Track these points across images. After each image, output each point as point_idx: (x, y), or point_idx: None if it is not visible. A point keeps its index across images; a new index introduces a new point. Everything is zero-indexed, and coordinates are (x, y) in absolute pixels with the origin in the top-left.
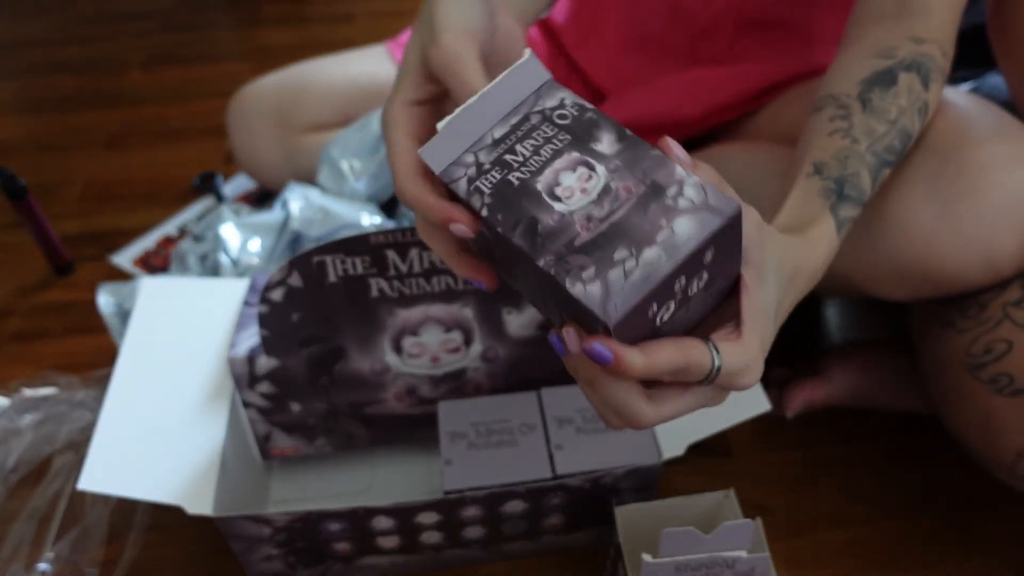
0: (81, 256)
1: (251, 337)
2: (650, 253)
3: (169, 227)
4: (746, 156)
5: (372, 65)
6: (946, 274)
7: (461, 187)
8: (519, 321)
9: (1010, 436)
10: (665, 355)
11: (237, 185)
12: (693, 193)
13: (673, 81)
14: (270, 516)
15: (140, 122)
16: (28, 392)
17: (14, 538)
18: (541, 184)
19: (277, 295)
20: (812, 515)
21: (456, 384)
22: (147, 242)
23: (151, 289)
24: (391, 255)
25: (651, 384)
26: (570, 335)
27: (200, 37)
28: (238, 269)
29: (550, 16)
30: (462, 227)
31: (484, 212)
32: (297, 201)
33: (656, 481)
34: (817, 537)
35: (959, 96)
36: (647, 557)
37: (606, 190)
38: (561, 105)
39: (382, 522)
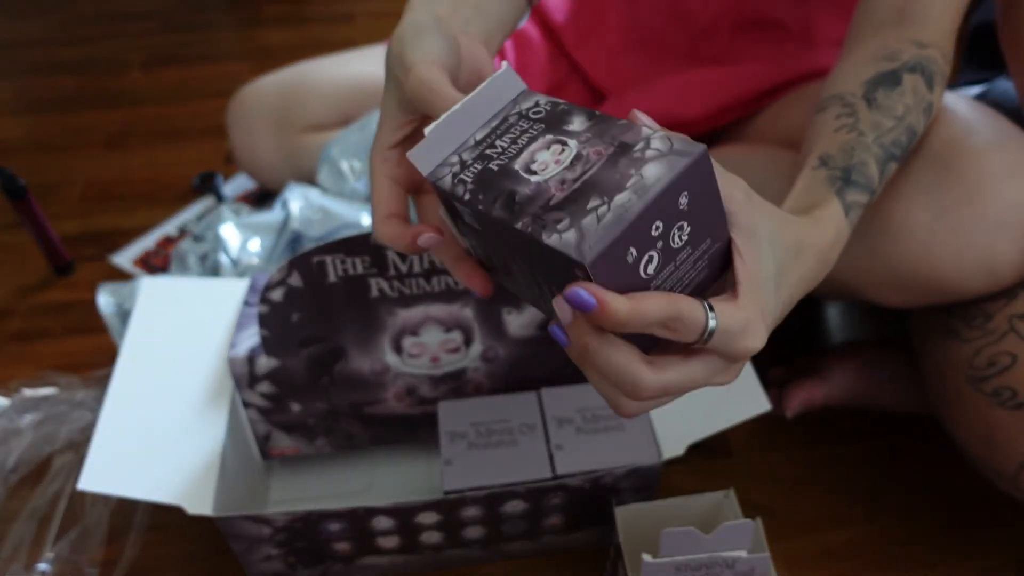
0: (81, 256)
1: (251, 337)
2: (621, 197)
3: (169, 227)
4: (746, 158)
5: (372, 65)
6: (945, 282)
7: (446, 182)
8: (519, 321)
9: (1012, 448)
10: (653, 303)
11: (237, 185)
12: (659, 143)
13: (673, 82)
14: (270, 516)
15: (140, 122)
16: (28, 392)
17: (14, 538)
18: (518, 164)
19: (277, 295)
20: (812, 515)
21: (456, 384)
22: (147, 242)
23: (151, 289)
24: (391, 255)
25: (652, 354)
26: (560, 305)
27: (200, 37)
28: (238, 269)
29: (550, 16)
30: (427, 236)
31: (467, 197)
32: (297, 201)
33: (656, 481)
34: (817, 537)
35: (959, 103)
36: (647, 557)
37: (577, 157)
38: (536, 105)
39: (382, 522)
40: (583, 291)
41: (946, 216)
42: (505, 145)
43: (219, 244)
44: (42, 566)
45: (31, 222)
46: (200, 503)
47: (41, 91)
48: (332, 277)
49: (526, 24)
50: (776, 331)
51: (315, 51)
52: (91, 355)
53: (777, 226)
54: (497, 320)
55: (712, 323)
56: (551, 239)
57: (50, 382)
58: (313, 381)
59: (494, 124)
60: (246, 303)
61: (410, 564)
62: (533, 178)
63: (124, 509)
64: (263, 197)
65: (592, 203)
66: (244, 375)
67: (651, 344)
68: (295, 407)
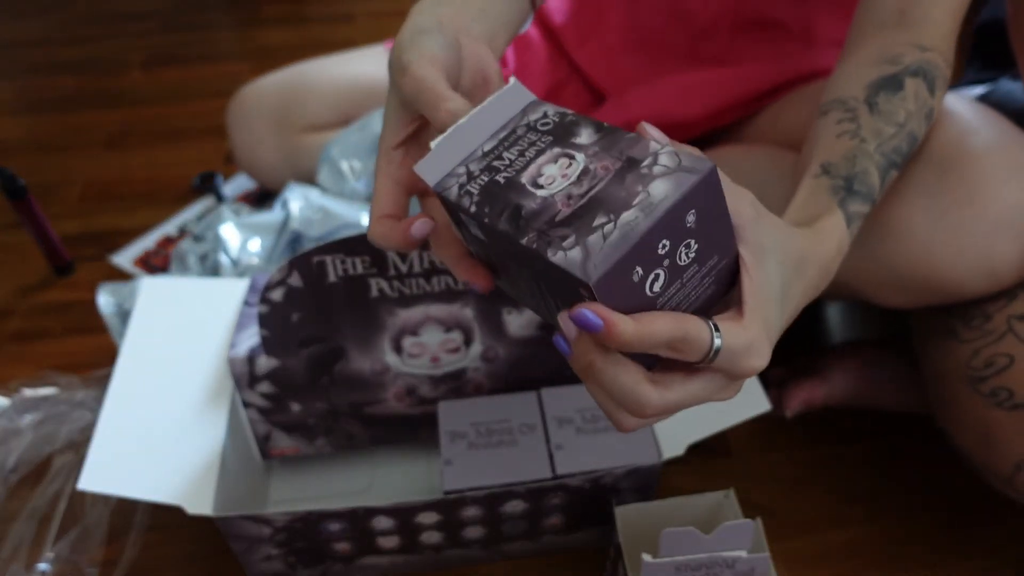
0: (81, 256)
1: (251, 337)
2: (627, 215)
3: (169, 227)
4: (746, 159)
5: (372, 65)
6: (945, 283)
7: (452, 193)
8: (519, 321)
9: (1009, 449)
10: (659, 324)
11: (237, 185)
12: (667, 159)
13: (673, 82)
14: (270, 516)
15: (140, 122)
16: (28, 392)
17: (14, 538)
18: (525, 178)
19: (277, 295)
20: (812, 515)
21: (456, 384)
22: (147, 242)
23: (151, 289)
24: (391, 255)
25: (655, 372)
26: (565, 321)
27: (200, 37)
28: (238, 269)
29: (550, 16)
30: (419, 223)
31: (472, 208)
32: (297, 201)
33: (656, 481)
34: (817, 537)
35: (960, 105)
36: (647, 557)
37: (585, 171)
38: (544, 116)
39: (382, 522)
40: (589, 312)
41: (946, 217)
42: (512, 157)
43: (219, 244)
44: (42, 566)
45: (31, 222)
46: (200, 503)
47: (41, 91)
48: (332, 277)
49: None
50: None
51: (315, 51)
52: (91, 355)
53: (783, 241)
54: (497, 320)
55: (717, 342)
56: (556, 256)
57: (50, 382)
58: (313, 381)
59: (502, 136)
60: (246, 303)
61: (410, 564)
62: (540, 192)
63: (124, 509)
64: (263, 197)
65: (598, 220)
66: (244, 375)
67: (653, 361)
68: (295, 407)
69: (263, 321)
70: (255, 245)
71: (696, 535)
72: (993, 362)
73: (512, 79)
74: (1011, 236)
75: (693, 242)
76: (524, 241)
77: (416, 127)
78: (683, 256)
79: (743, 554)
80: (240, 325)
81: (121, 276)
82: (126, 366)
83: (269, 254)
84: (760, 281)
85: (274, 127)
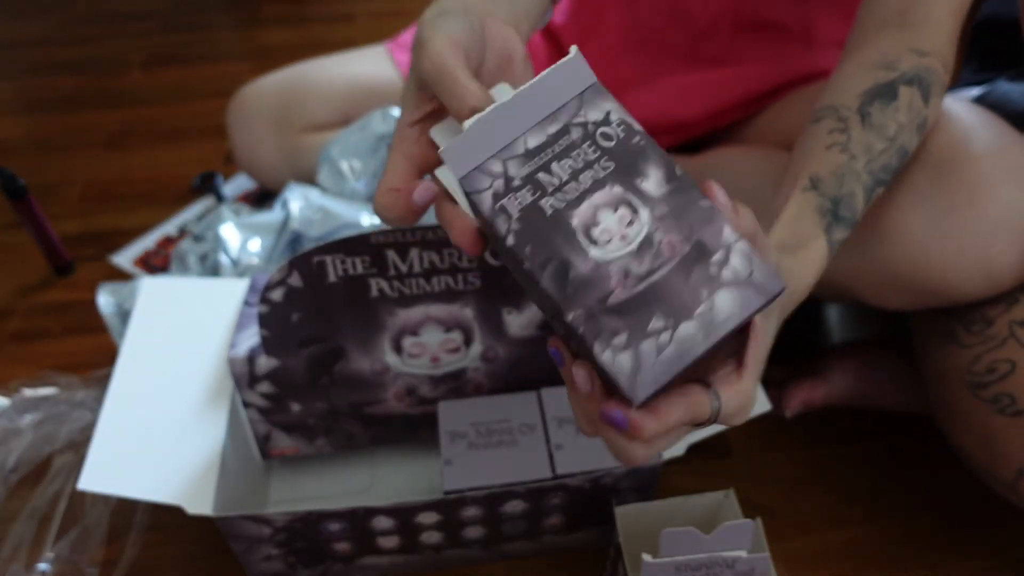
0: (81, 256)
1: (251, 337)
2: (687, 328)
3: (169, 227)
4: (746, 159)
5: (372, 65)
6: (943, 285)
7: (485, 203)
8: (519, 321)
9: (1011, 455)
10: (675, 415)
11: (237, 185)
12: (739, 263)
13: (673, 82)
14: (270, 516)
15: (140, 122)
16: (28, 392)
17: (14, 538)
18: (577, 220)
19: (277, 295)
20: (812, 515)
21: (456, 384)
22: (147, 242)
23: (151, 289)
24: (391, 255)
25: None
26: (581, 377)
27: (200, 37)
28: (238, 269)
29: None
30: (421, 187)
31: (510, 240)
32: (297, 201)
33: (656, 481)
34: (817, 537)
35: (958, 107)
36: (647, 557)
37: (648, 242)
38: (606, 120)
39: (382, 522)
40: (621, 416)
41: (944, 219)
42: (563, 177)
43: (219, 244)
44: (42, 566)
45: (31, 222)
46: (200, 503)
47: (41, 91)
48: (332, 277)
49: None
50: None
51: (315, 51)
52: (91, 355)
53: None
54: (497, 320)
55: (715, 406)
56: (604, 356)
57: (50, 382)
58: (313, 381)
59: (552, 130)
60: (246, 303)
61: (410, 564)
62: (592, 251)
63: (124, 509)
64: (263, 197)
65: (655, 323)
66: (244, 375)
67: None
68: (295, 407)
69: (263, 321)
70: (255, 245)
71: (696, 535)
72: (995, 368)
73: (573, 49)
74: (1009, 238)
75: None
76: (570, 318)
77: (434, 107)
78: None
79: (743, 554)
80: (240, 325)
81: (121, 276)
82: (126, 366)
83: (269, 254)
84: (763, 342)
85: (274, 127)
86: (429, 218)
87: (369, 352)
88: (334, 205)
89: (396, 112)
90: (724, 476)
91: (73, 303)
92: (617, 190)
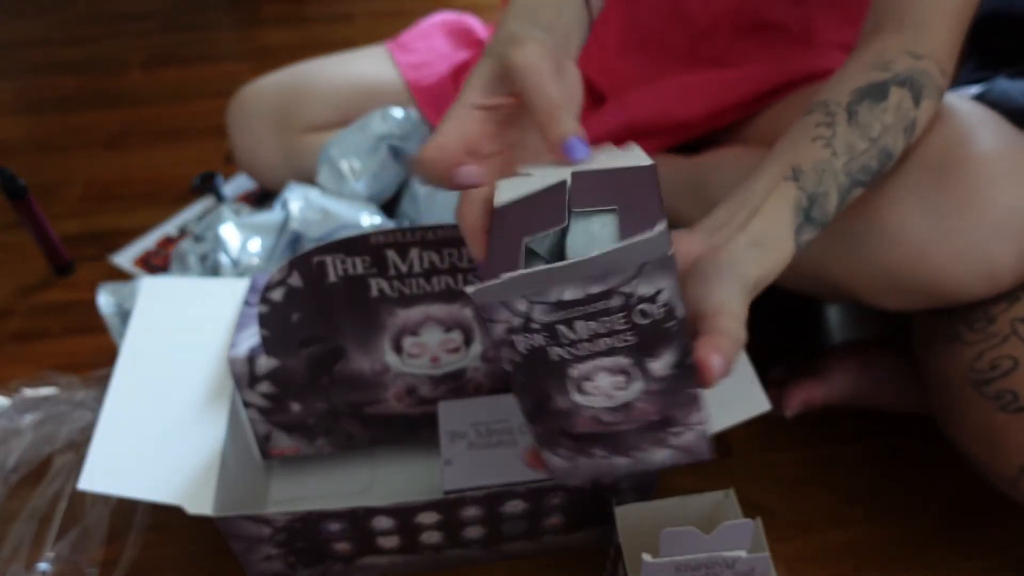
0: (81, 256)
1: (251, 337)
2: (619, 460)
3: (169, 227)
4: (746, 160)
5: (372, 66)
6: (944, 286)
7: (497, 331)
8: None
9: (1013, 452)
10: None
11: (237, 185)
12: (692, 438)
13: (673, 82)
14: (270, 516)
15: (140, 122)
16: (28, 392)
17: (14, 538)
18: (576, 372)
19: (277, 295)
20: (812, 515)
21: (456, 384)
22: (147, 242)
23: (151, 289)
24: (391, 255)
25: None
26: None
27: (200, 37)
28: (238, 269)
29: None
30: (468, 168)
31: (507, 366)
32: (297, 201)
33: (656, 481)
34: (817, 537)
35: (958, 105)
36: (647, 557)
37: (627, 405)
38: (653, 299)
39: (382, 522)
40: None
41: (944, 220)
42: (582, 336)
43: (219, 244)
44: (42, 566)
45: (31, 222)
46: (200, 503)
47: (41, 91)
48: (332, 277)
49: None
50: (776, 331)
51: (315, 51)
52: (91, 355)
53: (743, 271)
54: None
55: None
56: (544, 453)
57: (50, 382)
58: (313, 381)
59: (593, 290)
60: (246, 303)
61: (410, 564)
62: (576, 396)
63: (124, 509)
64: (263, 197)
65: (597, 451)
66: (244, 375)
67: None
68: (295, 407)
69: (263, 321)
70: (255, 245)
71: (696, 535)
72: (997, 365)
73: (662, 224)
74: (1009, 238)
75: None
76: (532, 434)
77: (502, 103)
78: None
79: (743, 554)
80: (240, 325)
81: (121, 276)
82: (126, 366)
83: (269, 254)
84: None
85: (274, 127)
86: (429, 218)
87: (369, 352)
88: (334, 205)
89: (396, 112)
90: (724, 476)
91: (73, 303)
92: (624, 362)
